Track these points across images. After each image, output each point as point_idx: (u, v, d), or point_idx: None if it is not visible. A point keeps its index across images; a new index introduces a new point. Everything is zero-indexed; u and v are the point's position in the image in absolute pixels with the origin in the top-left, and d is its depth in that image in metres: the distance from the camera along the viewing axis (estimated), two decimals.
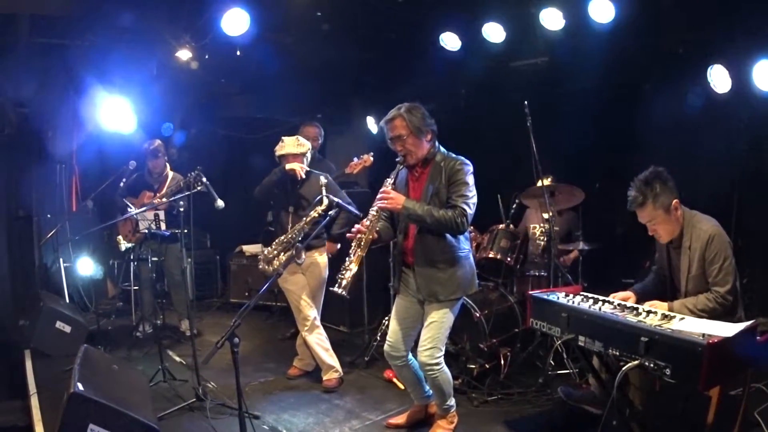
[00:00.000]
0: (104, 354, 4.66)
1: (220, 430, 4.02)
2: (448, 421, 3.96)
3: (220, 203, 4.77)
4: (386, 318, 4.72)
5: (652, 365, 2.77)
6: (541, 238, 5.75)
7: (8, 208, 6.51)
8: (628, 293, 3.66)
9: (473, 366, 4.77)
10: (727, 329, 2.79)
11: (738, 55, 4.68)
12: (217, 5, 5.55)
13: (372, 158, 5.54)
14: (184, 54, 6.10)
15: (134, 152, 6.21)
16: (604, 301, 3.40)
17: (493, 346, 4.83)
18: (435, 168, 3.67)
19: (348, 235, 3.67)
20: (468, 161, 3.68)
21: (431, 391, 3.97)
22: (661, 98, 5.40)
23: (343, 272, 3.59)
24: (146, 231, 5.57)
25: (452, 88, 7.05)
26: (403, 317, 3.89)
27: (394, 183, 3.71)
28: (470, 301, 4.76)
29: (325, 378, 4.84)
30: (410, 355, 3.94)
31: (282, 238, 4.74)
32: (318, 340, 4.83)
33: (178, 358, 5.52)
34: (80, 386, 3.22)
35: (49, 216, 7.01)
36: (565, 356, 4.86)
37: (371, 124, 7.49)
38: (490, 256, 5.33)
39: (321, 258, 4.90)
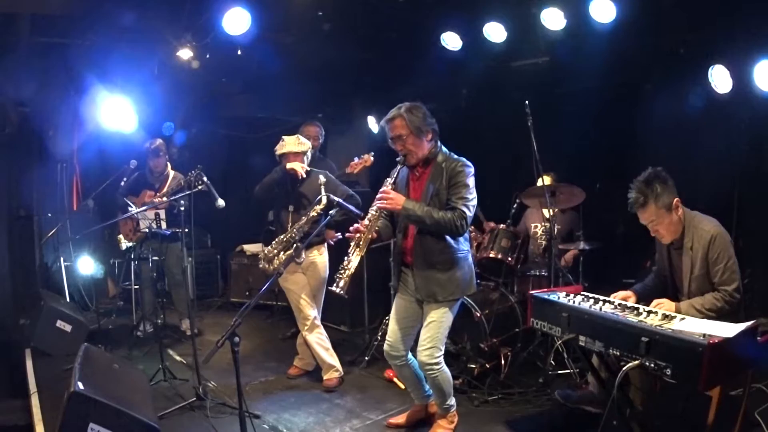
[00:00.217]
0: (105, 353, 4.66)
1: (220, 429, 4.02)
2: (448, 420, 3.96)
3: (221, 202, 4.77)
4: (387, 317, 4.72)
5: (652, 365, 2.77)
6: (542, 237, 5.75)
7: (9, 207, 6.50)
8: (629, 293, 3.66)
9: (474, 366, 4.78)
10: (727, 329, 2.79)
11: (739, 56, 4.68)
12: (218, 5, 5.55)
13: (372, 158, 5.54)
14: (185, 53, 6.09)
15: (135, 151, 6.22)
16: (604, 301, 3.40)
17: (493, 345, 4.83)
18: (436, 168, 3.66)
19: (347, 235, 3.67)
20: (470, 163, 3.67)
21: (431, 391, 3.97)
22: (661, 98, 5.39)
23: (342, 272, 3.60)
24: (147, 230, 5.58)
25: (453, 87, 7.05)
26: (402, 317, 3.89)
27: (394, 182, 3.71)
28: (471, 301, 4.76)
29: (325, 377, 4.85)
30: (410, 355, 3.94)
31: (282, 237, 4.75)
32: (318, 340, 4.83)
33: (178, 358, 5.52)
34: (81, 385, 3.22)
35: (49, 215, 7.03)
36: (565, 356, 4.86)
37: (372, 124, 7.48)
38: (491, 255, 5.33)
39: (321, 257, 4.90)
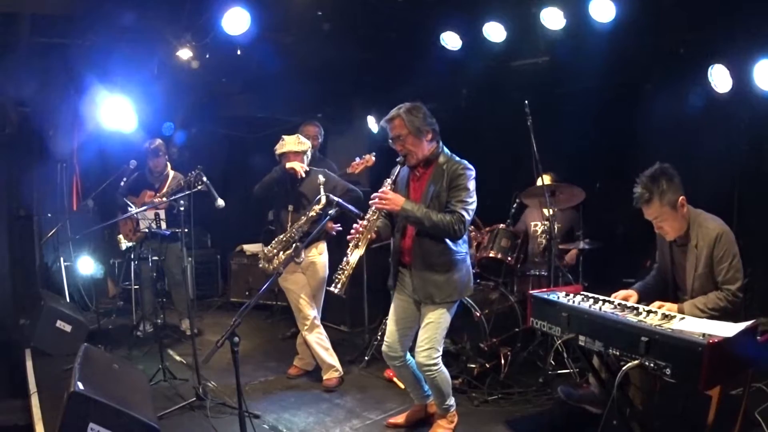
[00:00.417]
0: (105, 353, 4.66)
1: (220, 429, 4.02)
2: (448, 420, 3.95)
3: (221, 202, 4.77)
4: (386, 317, 4.71)
5: (652, 365, 2.77)
6: (542, 236, 5.75)
7: (9, 207, 6.51)
8: (630, 292, 3.65)
9: (473, 365, 4.77)
10: (727, 329, 2.78)
11: (739, 55, 4.67)
12: (217, 5, 5.55)
13: (374, 158, 5.53)
14: (184, 53, 6.09)
15: (135, 151, 6.22)
16: (604, 301, 3.40)
17: (493, 345, 4.83)
18: (437, 170, 3.66)
19: (348, 236, 3.66)
20: (471, 166, 3.66)
21: (431, 391, 3.97)
22: (661, 98, 5.39)
23: (340, 272, 3.59)
24: (147, 230, 5.58)
25: (453, 87, 7.04)
26: (400, 317, 3.89)
27: (394, 183, 3.70)
28: (471, 301, 4.76)
29: (325, 377, 4.85)
30: (408, 356, 3.94)
31: (281, 236, 4.75)
32: (318, 340, 4.83)
33: (178, 358, 5.52)
34: (80, 385, 3.22)
35: (49, 215, 7.03)
36: (565, 356, 4.86)
37: (372, 124, 7.48)
38: (491, 255, 5.33)
39: (321, 257, 4.90)
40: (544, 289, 3.87)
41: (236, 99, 8.03)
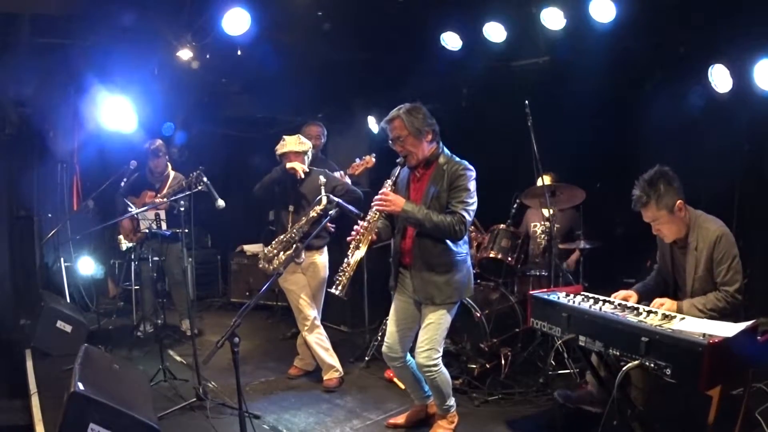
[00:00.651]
0: (105, 353, 4.67)
1: (220, 429, 4.02)
2: (448, 421, 3.95)
3: (221, 203, 4.77)
4: (387, 318, 4.72)
5: (652, 365, 2.77)
6: (542, 237, 5.75)
7: (9, 208, 6.51)
8: (629, 292, 3.65)
9: (474, 366, 4.77)
10: (727, 329, 2.78)
11: (739, 55, 4.67)
12: (217, 5, 5.55)
13: (374, 159, 5.53)
14: (184, 53, 6.10)
15: (135, 152, 6.22)
16: (604, 301, 3.40)
17: (493, 345, 4.83)
18: (438, 171, 3.65)
19: (348, 238, 3.66)
20: (471, 167, 3.65)
21: (431, 392, 3.96)
22: (662, 98, 5.38)
23: (341, 274, 3.59)
24: (147, 230, 5.59)
25: (453, 87, 7.04)
26: (400, 318, 3.88)
27: (394, 183, 3.70)
28: (471, 301, 4.76)
29: (325, 378, 4.85)
30: (408, 356, 3.93)
31: (281, 237, 4.75)
32: (318, 340, 4.83)
33: (178, 358, 5.52)
34: (81, 386, 3.22)
35: (50, 215, 7.03)
36: (565, 356, 4.86)
37: (372, 124, 7.48)
38: (491, 255, 5.32)
39: (321, 258, 4.90)
40: (545, 290, 3.87)
41: (236, 99, 8.04)
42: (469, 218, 3.56)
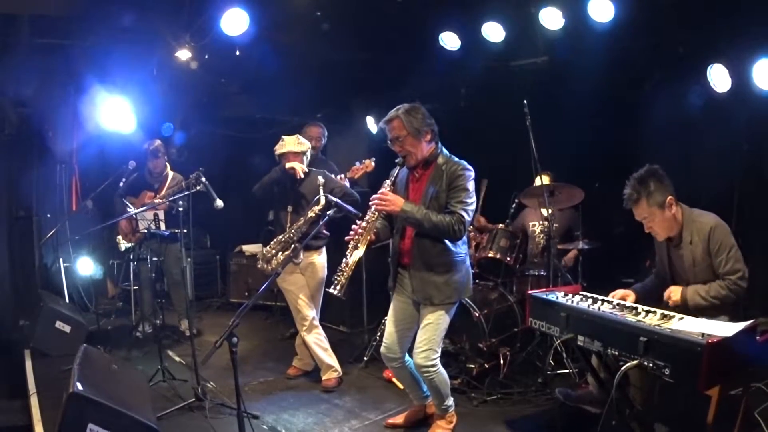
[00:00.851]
0: (104, 354, 4.65)
1: (219, 429, 4.02)
2: (447, 421, 3.95)
3: (219, 203, 4.76)
4: (385, 318, 4.72)
5: (651, 365, 2.77)
6: (541, 236, 5.75)
7: (8, 208, 6.51)
8: (627, 291, 3.66)
9: (473, 366, 4.77)
10: (726, 329, 2.78)
11: (738, 55, 4.67)
12: (216, 5, 5.55)
13: (374, 164, 5.53)
14: (183, 54, 6.09)
15: (134, 152, 6.21)
16: (603, 301, 3.40)
17: (492, 345, 4.83)
18: (436, 171, 3.65)
19: (346, 238, 3.66)
20: (470, 167, 3.65)
21: (429, 392, 3.96)
22: (660, 97, 5.39)
23: (339, 274, 3.58)
24: (146, 231, 5.58)
25: (452, 87, 7.04)
26: (399, 319, 3.88)
27: (393, 184, 3.70)
28: (470, 301, 4.76)
29: (324, 378, 4.84)
30: (407, 357, 3.93)
31: (280, 237, 4.75)
32: (317, 340, 4.83)
33: (177, 358, 5.52)
34: (79, 386, 3.22)
35: (49, 216, 7.02)
36: (564, 356, 4.86)
37: (371, 124, 7.48)
38: (490, 255, 5.33)
39: (320, 258, 4.90)
40: (543, 289, 3.88)
41: (235, 99, 8.04)
42: (468, 218, 3.56)
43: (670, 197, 3.47)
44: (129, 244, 5.97)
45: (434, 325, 3.67)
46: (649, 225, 3.57)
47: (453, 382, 4.18)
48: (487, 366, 4.81)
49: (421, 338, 3.70)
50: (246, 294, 7.45)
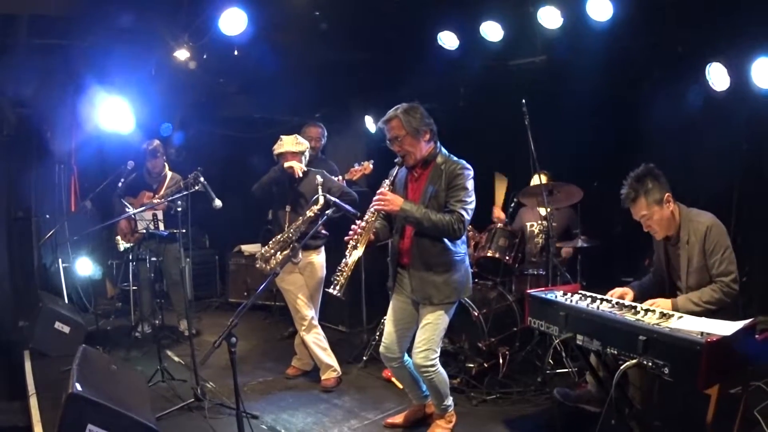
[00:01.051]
0: (103, 354, 4.66)
1: (218, 430, 4.02)
2: (446, 420, 3.95)
3: (218, 203, 4.77)
4: (384, 317, 4.72)
5: (650, 364, 2.77)
6: (539, 236, 5.75)
7: (7, 209, 6.50)
8: (626, 290, 3.66)
9: (472, 365, 4.77)
10: (725, 327, 2.78)
11: (737, 53, 4.67)
12: (214, 5, 5.55)
13: (372, 166, 5.53)
14: (182, 54, 6.09)
15: (133, 152, 6.21)
16: (602, 300, 3.40)
17: (491, 345, 4.83)
18: (435, 170, 3.65)
19: (345, 238, 3.65)
20: (469, 166, 3.65)
21: (428, 392, 3.96)
22: (659, 96, 5.39)
23: (339, 274, 3.57)
24: (145, 231, 5.58)
25: (451, 87, 7.04)
26: (398, 318, 3.88)
27: (392, 183, 3.69)
28: (469, 300, 4.75)
29: (323, 377, 4.84)
30: (406, 356, 3.93)
31: (279, 237, 4.74)
32: (316, 340, 4.83)
33: (176, 358, 5.52)
34: (79, 387, 3.22)
35: (47, 216, 7.02)
36: (563, 355, 4.86)
37: (369, 124, 7.49)
38: (489, 254, 5.32)
39: (318, 257, 4.90)
40: (542, 289, 3.88)
41: (234, 99, 8.04)
42: (467, 217, 3.56)
43: (667, 194, 3.48)
44: (128, 245, 5.97)
45: (433, 324, 3.67)
46: (648, 223, 3.57)
47: (452, 382, 4.18)
48: (486, 365, 4.81)
49: (420, 338, 3.69)
50: (245, 294, 7.45)
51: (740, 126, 5.09)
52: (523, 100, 4.70)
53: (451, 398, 3.95)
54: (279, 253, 4.70)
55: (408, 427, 4.12)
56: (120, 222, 5.91)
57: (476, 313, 4.77)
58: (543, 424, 4.15)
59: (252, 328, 6.68)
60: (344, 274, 3.56)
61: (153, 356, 5.06)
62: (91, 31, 5.86)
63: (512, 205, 5.62)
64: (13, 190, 6.58)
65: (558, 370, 4.85)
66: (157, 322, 5.81)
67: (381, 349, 3.94)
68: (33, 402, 4.22)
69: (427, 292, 3.66)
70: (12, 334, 5.74)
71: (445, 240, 3.61)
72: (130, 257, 6.14)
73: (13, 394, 4.53)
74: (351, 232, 3.61)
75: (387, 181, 3.67)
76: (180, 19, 5.88)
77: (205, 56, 6.29)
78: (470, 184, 3.61)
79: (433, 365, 3.69)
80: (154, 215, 5.56)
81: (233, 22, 5.54)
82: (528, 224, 5.97)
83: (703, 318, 3.02)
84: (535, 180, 5.13)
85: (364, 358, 5.37)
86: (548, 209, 5.04)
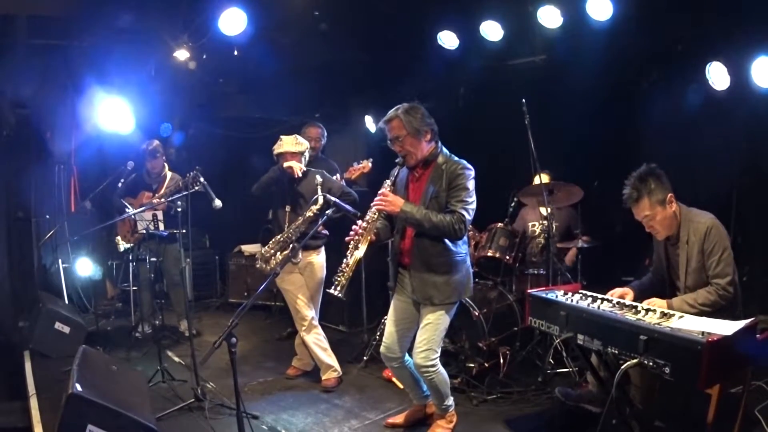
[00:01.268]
0: (103, 355, 4.65)
1: (218, 430, 4.01)
2: (447, 420, 3.94)
3: (218, 203, 4.76)
4: (385, 317, 4.73)
5: (651, 363, 2.77)
6: (541, 236, 5.75)
7: (7, 209, 6.50)
8: (626, 289, 3.66)
9: (472, 365, 4.76)
10: (726, 327, 2.78)
11: (737, 53, 4.67)
12: (214, 5, 5.56)
13: (371, 165, 5.53)
14: (181, 54, 6.09)
15: (133, 152, 6.21)
16: (602, 299, 3.40)
17: (492, 344, 4.82)
18: (436, 170, 3.64)
19: (346, 238, 3.65)
20: (470, 166, 3.64)
21: (429, 392, 3.96)
22: (659, 96, 5.39)
23: (340, 274, 3.57)
24: (144, 231, 5.57)
25: (450, 86, 7.04)
26: (399, 318, 3.87)
27: (393, 184, 3.69)
28: (469, 300, 4.75)
29: (323, 378, 4.84)
30: (407, 356, 3.92)
31: (278, 237, 4.74)
32: (316, 340, 4.82)
33: (177, 359, 5.51)
34: (79, 387, 3.22)
35: (47, 217, 7.02)
36: (564, 355, 4.85)
37: (369, 123, 7.48)
38: (489, 254, 5.32)
39: (318, 258, 4.89)
40: (543, 288, 3.87)
41: (234, 99, 8.03)
42: (468, 217, 3.55)
43: (670, 194, 3.48)
44: (128, 245, 5.96)
45: (434, 325, 3.66)
46: (651, 224, 3.56)
47: (453, 382, 4.17)
48: (486, 365, 4.81)
49: (421, 338, 3.69)
50: (245, 294, 7.44)
51: (740, 125, 5.08)
52: (523, 100, 4.70)
53: (451, 398, 3.95)
54: (279, 253, 4.70)
55: (408, 427, 4.12)
56: (120, 222, 5.90)
57: (477, 313, 4.77)
58: (543, 424, 4.15)
59: (252, 328, 6.68)
60: (345, 274, 3.55)
61: (153, 357, 5.06)
62: (90, 31, 5.86)
63: (512, 204, 5.61)
64: (12, 190, 6.57)
65: (559, 370, 4.85)
66: (157, 322, 5.82)
67: (382, 349, 3.94)
68: (33, 402, 4.22)
69: (428, 292, 3.65)
70: (12, 334, 5.74)
71: (446, 240, 3.60)
72: (130, 258, 6.13)
73: (13, 395, 4.52)
74: (352, 233, 3.61)
75: (388, 182, 3.66)
76: (179, 20, 5.89)
77: (204, 56, 6.30)
78: (471, 184, 3.60)
79: (433, 365, 3.69)
80: (154, 215, 5.55)
81: (233, 22, 5.55)
82: (529, 224, 5.97)
83: (704, 318, 3.02)
84: (537, 180, 5.12)
85: (365, 358, 5.37)
86: (549, 209, 5.04)
